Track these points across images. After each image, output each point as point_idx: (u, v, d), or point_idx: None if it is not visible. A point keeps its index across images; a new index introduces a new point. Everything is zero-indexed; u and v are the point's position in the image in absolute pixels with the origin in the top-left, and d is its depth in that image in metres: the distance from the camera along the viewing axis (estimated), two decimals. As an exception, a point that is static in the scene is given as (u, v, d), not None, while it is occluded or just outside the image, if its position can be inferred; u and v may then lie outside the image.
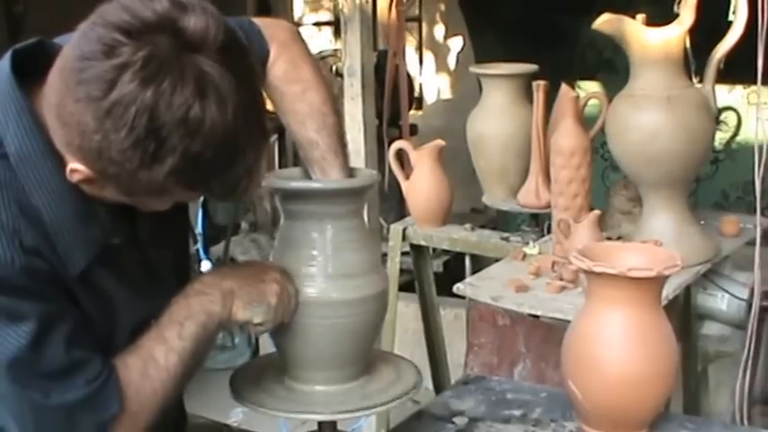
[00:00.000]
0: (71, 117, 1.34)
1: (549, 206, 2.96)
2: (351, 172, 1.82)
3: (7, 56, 1.46)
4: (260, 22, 1.88)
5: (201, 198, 4.95)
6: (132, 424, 1.52)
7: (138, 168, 1.34)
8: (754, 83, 2.40)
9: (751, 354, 2.50)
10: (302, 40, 1.91)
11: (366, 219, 1.86)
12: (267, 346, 1.96)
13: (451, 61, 6.94)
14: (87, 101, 1.31)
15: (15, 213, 1.42)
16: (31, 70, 1.45)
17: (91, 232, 1.49)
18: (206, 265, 5.33)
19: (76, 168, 1.40)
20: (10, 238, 1.41)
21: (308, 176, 1.82)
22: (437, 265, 4.68)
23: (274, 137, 5.78)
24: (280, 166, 5.68)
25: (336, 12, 6.46)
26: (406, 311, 4.02)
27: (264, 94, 1.69)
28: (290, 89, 1.87)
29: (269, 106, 4.92)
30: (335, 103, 1.89)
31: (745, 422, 2.61)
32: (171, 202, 1.53)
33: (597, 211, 2.62)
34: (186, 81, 1.31)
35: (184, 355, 1.57)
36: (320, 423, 1.83)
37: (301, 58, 1.86)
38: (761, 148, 2.38)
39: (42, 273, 1.43)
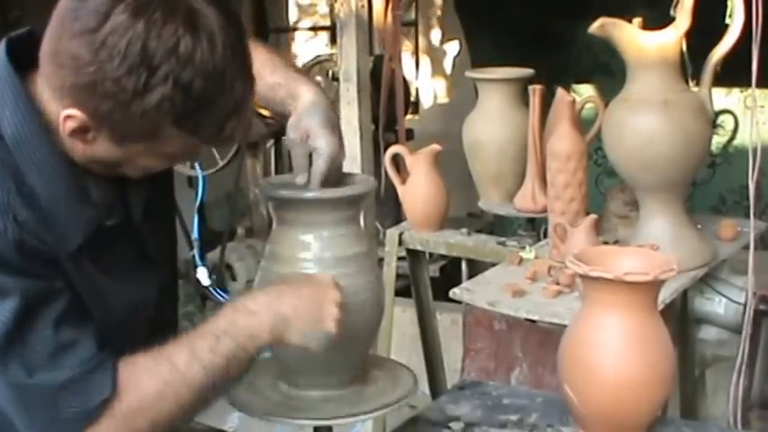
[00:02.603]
0: (66, 55, 1.40)
1: (545, 210, 2.96)
2: (318, 94, 1.83)
3: (1, 44, 1.52)
4: None
5: (197, 201, 4.96)
6: (128, 420, 1.49)
7: (132, 98, 1.38)
8: (751, 86, 2.40)
9: (747, 358, 2.49)
10: None
11: (362, 224, 1.86)
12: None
13: (448, 66, 6.95)
14: (82, 34, 1.38)
15: (11, 190, 1.45)
16: (23, 59, 1.49)
17: (85, 212, 1.52)
18: (202, 272, 5.33)
19: (71, 114, 1.44)
20: (4, 211, 1.44)
21: (302, 181, 1.82)
22: (433, 270, 4.68)
23: (271, 142, 5.79)
24: (276, 172, 5.68)
25: (332, 16, 6.47)
26: (402, 316, 4.02)
27: None
28: None
29: (266, 111, 4.89)
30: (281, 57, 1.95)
31: (740, 426, 2.61)
32: (162, 161, 1.54)
33: (594, 216, 2.62)
34: (176, 14, 1.38)
35: (212, 369, 1.52)
36: (316, 428, 1.84)
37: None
38: (755, 151, 2.38)
39: (34, 250, 1.45)
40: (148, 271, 1.66)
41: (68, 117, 1.44)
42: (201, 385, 1.52)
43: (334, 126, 1.81)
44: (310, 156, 1.77)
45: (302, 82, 1.85)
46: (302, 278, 1.67)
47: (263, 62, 1.82)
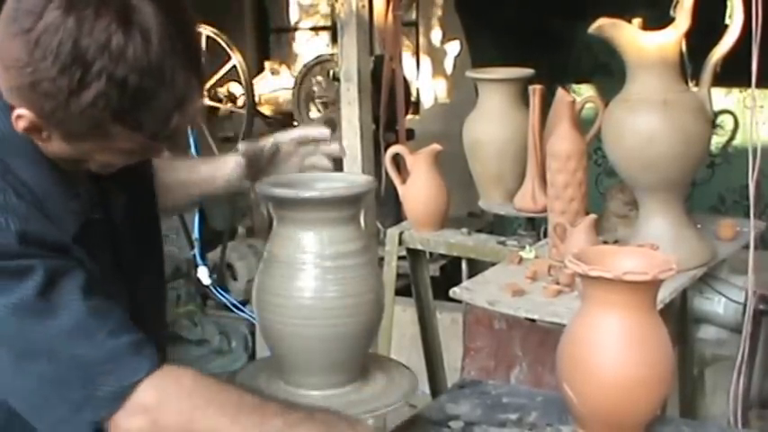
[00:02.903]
0: (9, 57, 1.40)
1: (545, 210, 2.96)
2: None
3: None
4: None
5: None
6: (148, 419, 1.45)
7: (69, 97, 1.39)
8: (751, 86, 2.40)
9: (746, 357, 2.50)
10: None
11: (362, 223, 1.87)
12: (263, 350, 1.96)
13: (448, 66, 6.95)
14: (19, 35, 1.38)
15: (6, 184, 1.48)
16: None
17: (74, 205, 1.54)
18: (202, 271, 5.34)
19: (21, 114, 1.45)
20: (3, 206, 1.46)
21: (302, 182, 1.82)
22: (434, 270, 4.68)
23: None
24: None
25: (333, 16, 6.47)
26: (402, 316, 4.03)
27: None
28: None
29: (267, 110, 4.87)
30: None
31: (740, 425, 2.61)
32: (117, 157, 1.54)
33: (593, 215, 2.62)
34: (108, 10, 1.37)
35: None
36: (316, 427, 1.83)
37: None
38: (755, 151, 2.38)
39: (40, 239, 1.46)
40: (120, 278, 1.65)
41: (19, 117, 1.45)
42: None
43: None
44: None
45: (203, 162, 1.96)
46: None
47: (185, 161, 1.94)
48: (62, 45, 1.36)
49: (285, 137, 1.97)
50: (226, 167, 1.93)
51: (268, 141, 1.97)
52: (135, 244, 1.70)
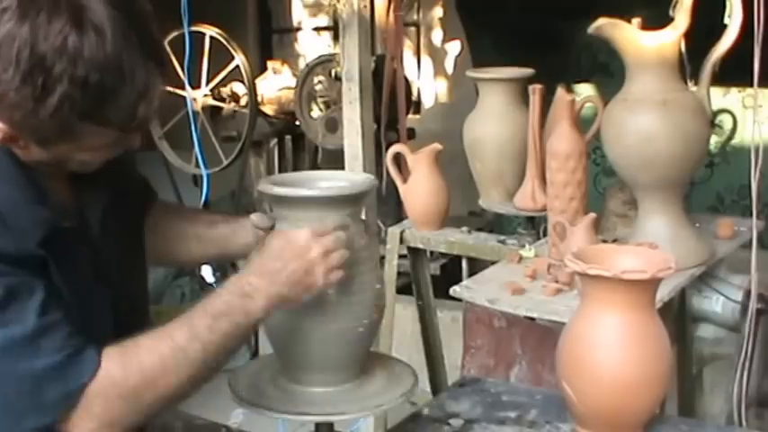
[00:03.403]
0: None
1: (545, 209, 2.97)
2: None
3: None
4: None
5: (202, 199, 4.97)
6: (136, 396, 1.53)
7: (35, 104, 1.41)
8: (750, 86, 2.41)
9: (745, 356, 2.51)
10: None
11: (365, 222, 1.88)
12: (266, 347, 1.98)
13: (449, 65, 6.95)
14: None
15: None
16: None
17: (41, 213, 1.54)
18: (206, 269, 5.34)
19: None
20: None
21: (303, 181, 1.84)
22: (434, 268, 4.69)
23: (274, 141, 5.80)
24: (280, 170, 5.70)
25: (335, 16, 6.47)
26: (403, 314, 4.03)
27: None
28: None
29: (269, 110, 4.86)
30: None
31: (739, 424, 2.62)
32: (93, 154, 1.56)
33: (593, 215, 2.63)
34: (60, 13, 1.40)
35: (210, 347, 1.58)
36: (317, 424, 1.85)
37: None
38: (757, 150, 2.39)
39: None
40: (101, 287, 1.66)
41: None
42: (201, 361, 1.57)
43: None
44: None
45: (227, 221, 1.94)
46: (282, 242, 1.69)
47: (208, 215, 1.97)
48: (20, 54, 1.39)
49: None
50: (244, 233, 1.89)
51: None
52: (115, 252, 1.70)
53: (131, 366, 1.52)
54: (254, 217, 1.82)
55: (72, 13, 1.41)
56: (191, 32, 4.48)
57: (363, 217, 1.85)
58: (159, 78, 1.51)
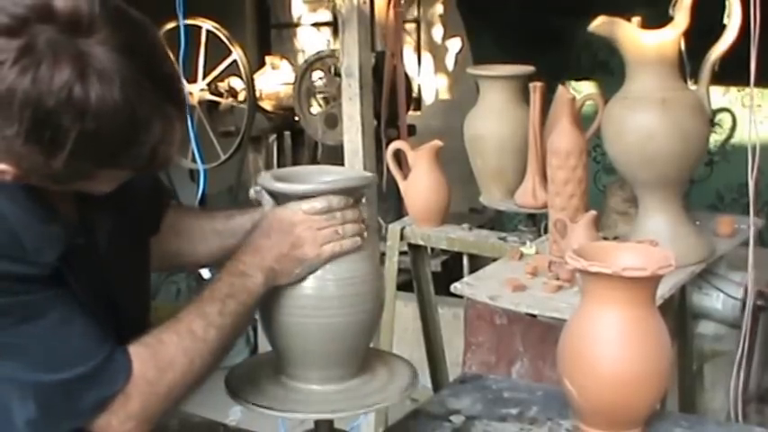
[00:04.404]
0: None
1: (545, 206, 2.97)
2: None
3: None
4: None
5: (199, 194, 4.98)
6: (170, 393, 1.56)
7: (46, 158, 1.35)
8: (749, 85, 2.41)
9: (745, 352, 2.52)
10: None
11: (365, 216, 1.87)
12: (264, 344, 1.98)
13: (449, 62, 6.95)
14: None
15: None
16: None
17: (53, 231, 1.50)
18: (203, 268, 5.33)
19: (3, 169, 1.41)
20: None
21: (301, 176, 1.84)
22: (435, 265, 4.69)
23: (273, 136, 5.79)
24: (278, 166, 5.69)
25: (335, 12, 6.47)
26: (404, 311, 4.04)
27: None
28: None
29: (268, 105, 4.84)
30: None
31: (741, 419, 2.63)
32: (111, 184, 1.52)
33: (593, 212, 2.63)
34: (63, 64, 1.31)
35: (224, 330, 1.62)
36: (317, 422, 1.84)
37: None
38: (754, 149, 2.40)
39: (8, 273, 1.45)
40: (108, 305, 1.64)
41: (2, 171, 1.41)
42: (218, 346, 1.62)
43: None
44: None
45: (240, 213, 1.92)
46: (269, 220, 1.73)
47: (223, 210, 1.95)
48: (23, 111, 1.31)
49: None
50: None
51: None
52: (120, 268, 1.68)
53: (163, 364, 1.55)
54: (267, 206, 1.80)
55: (74, 62, 1.31)
56: (186, 26, 4.47)
57: (364, 215, 1.85)
58: (178, 120, 1.45)
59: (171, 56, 1.47)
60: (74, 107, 1.31)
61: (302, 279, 1.72)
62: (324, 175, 1.85)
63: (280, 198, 1.76)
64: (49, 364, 1.48)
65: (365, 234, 1.77)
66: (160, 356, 1.55)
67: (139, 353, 1.54)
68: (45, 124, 1.32)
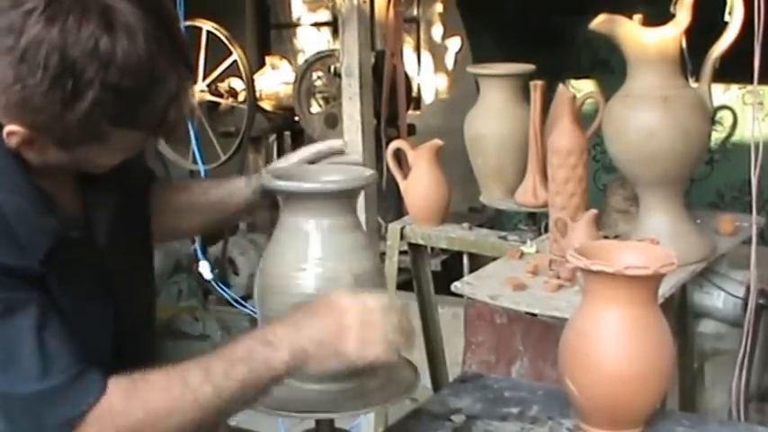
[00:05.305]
0: None
1: (546, 205, 2.97)
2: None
3: None
4: None
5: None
6: (127, 430, 1.46)
7: (63, 109, 1.38)
8: (750, 82, 2.41)
9: (745, 351, 2.51)
10: None
11: (364, 218, 1.88)
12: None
13: (449, 61, 6.96)
14: (2, 53, 1.37)
15: None
16: None
17: (48, 223, 1.51)
18: (204, 266, 5.34)
19: (12, 130, 1.43)
20: None
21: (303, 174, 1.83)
22: (435, 264, 4.69)
23: (273, 136, 5.80)
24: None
25: (335, 12, 6.47)
26: (404, 310, 4.03)
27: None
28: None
29: (268, 105, 4.85)
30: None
31: (740, 418, 2.62)
32: (115, 155, 1.53)
33: (594, 210, 2.63)
34: (90, 16, 1.36)
35: (224, 393, 1.49)
36: (317, 421, 1.84)
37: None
38: (757, 146, 2.39)
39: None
40: (103, 299, 1.63)
41: (10, 133, 1.44)
42: (211, 406, 1.49)
43: None
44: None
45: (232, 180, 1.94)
46: (320, 300, 1.61)
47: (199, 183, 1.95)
48: (49, 58, 1.35)
49: (309, 151, 1.89)
50: (240, 194, 1.90)
51: (292, 159, 1.92)
52: (121, 259, 1.67)
53: (136, 401, 1.46)
54: (264, 171, 1.82)
55: (102, 15, 1.37)
56: (187, 27, 4.47)
57: (364, 213, 1.84)
58: (189, 81, 1.50)
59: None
60: (99, 58, 1.36)
61: (303, 280, 1.72)
62: (324, 174, 1.85)
63: (281, 196, 1.76)
64: (18, 373, 1.43)
65: (412, 343, 1.64)
66: (137, 392, 1.46)
67: (118, 382, 1.46)
68: (69, 73, 1.36)
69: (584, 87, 5.70)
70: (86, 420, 1.43)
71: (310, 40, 7.47)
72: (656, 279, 1.75)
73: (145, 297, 1.82)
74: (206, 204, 1.93)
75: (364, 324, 1.56)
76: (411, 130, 5.20)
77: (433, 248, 3.94)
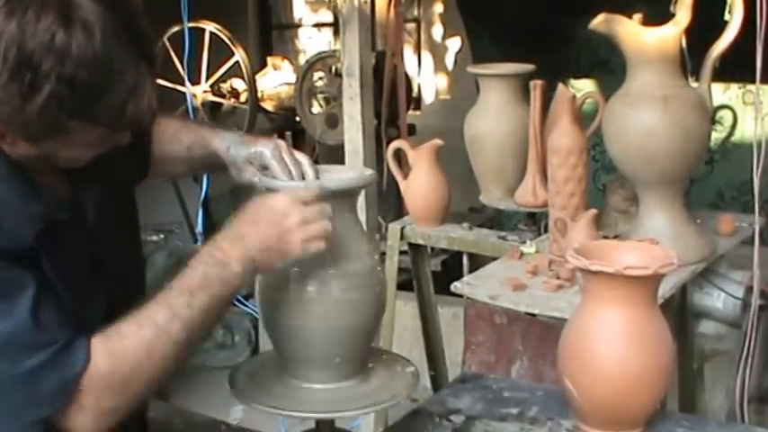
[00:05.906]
0: None
1: (545, 205, 2.97)
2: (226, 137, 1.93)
3: None
4: None
5: (202, 196, 4.98)
6: (124, 386, 1.54)
7: (23, 102, 1.40)
8: (750, 82, 2.41)
9: (750, 351, 2.51)
10: None
11: (364, 217, 1.88)
12: (266, 343, 1.98)
13: (449, 62, 6.95)
14: None
15: None
16: None
17: (35, 209, 1.54)
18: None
19: None
20: None
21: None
22: (435, 264, 4.69)
23: (274, 136, 5.79)
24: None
25: (336, 12, 6.47)
26: (404, 310, 4.04)
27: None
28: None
29: (270, 106, 4.85)
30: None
31: (740, 420, 2.62)
32: (83, 150, 1.55)
33: (594, 210, 2.63)
34: (49, 10, 1.39)
35: (191, 324, 1.57)
36: (318, 421, 1.85)
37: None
38: (759, 146, 2.39)
39: None
40: (96, 277, 1.67)
41: None
42: (183, 340, 1.57)
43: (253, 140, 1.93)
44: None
45: (213, 135, 1.94)
46: (258, 206, 1.68)
47: (177, 128, 1.95)
48: (8, 51, 1.38)
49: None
50: (218, 160, 1.94)
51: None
52: (111, 237, 1.71)
53: (117, 356, 1.52)
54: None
55: (60, 10, 1.39)
56: (190, 28, 4.48)
57: (364, 213, 1.84)
58: (149, 77, 1.50)
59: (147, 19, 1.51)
60: (55, 52, 1.38)
61: (304, 281, 1.72)
62: (324, 174, 1.85)
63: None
64: (11, 348, 1.48)
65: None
66: (116, 349, 1.52)
67: (96, 345, 1.52)
68: (26, 66, 1.38)
69: (584, 87, 5.69)
70: (79, 387, 1.50)
71: (311, 41, 7.47)
72: (656, 279, 1.75)
73: (135, 273, 1.85)
74: (191, 160, 1.98)
75: (304, 222, 1.64)
76: (411, 130, 5.20)
77: (432, 248, 3.94)
